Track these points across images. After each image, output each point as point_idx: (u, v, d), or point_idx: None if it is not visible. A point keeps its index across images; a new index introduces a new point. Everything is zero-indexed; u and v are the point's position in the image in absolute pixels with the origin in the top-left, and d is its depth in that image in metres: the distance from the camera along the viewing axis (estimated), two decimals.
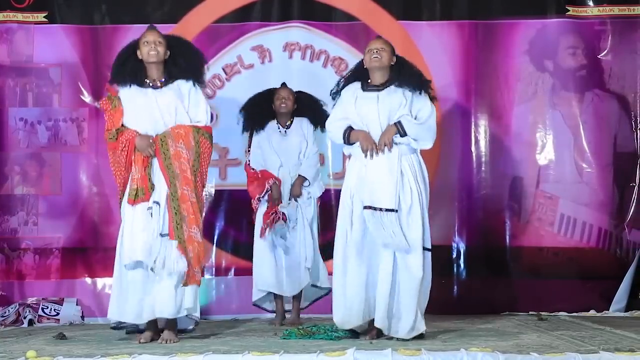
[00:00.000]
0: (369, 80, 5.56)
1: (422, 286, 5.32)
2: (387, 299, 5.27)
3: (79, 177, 7.42)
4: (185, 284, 5.33)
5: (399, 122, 5.39)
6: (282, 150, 6.64)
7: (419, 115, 5.45)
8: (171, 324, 5.43)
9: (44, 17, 7.47)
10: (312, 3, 7.52)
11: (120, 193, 5.49)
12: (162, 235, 5.32)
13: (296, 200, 6.61)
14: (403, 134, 5.38)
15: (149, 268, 5.31)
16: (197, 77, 5.60)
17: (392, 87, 5.49)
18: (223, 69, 7.52)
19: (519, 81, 7.50)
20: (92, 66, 7.44)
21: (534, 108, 7.50)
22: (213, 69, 7.44)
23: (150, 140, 5.39)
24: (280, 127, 6.70)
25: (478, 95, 7.49)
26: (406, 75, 5.51)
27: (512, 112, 7.50)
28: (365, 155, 5.40)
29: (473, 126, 7.48)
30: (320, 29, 7.52)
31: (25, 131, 7.42)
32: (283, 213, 6.51)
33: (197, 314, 5.49)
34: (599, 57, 7.50)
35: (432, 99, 5.57)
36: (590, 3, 7.53)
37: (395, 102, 5.44)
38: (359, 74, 5.63)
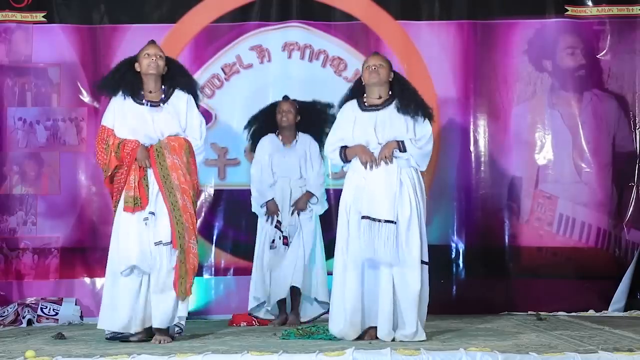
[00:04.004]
0: (365, 97, 5.49)
1: (420, 298, 5.31)
2: (390, 314, 5.25)
3: (77, 176, 7.41)
4: (183, 298, 5.33)
5: (402, 142, 5.35)
6: (282, 167, 6.62)
7: (420, 141, 5.40)
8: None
9: (42, 16, 7.46)
10: (311, 3, 7.51)
11: (115, 202, 5.46)
12: (156, 244, 5.31)
13: (298, 215, 6.60)
14: (403, 150, 5.36)
15: (144, 274, 5.31)
16: (194, 94, 5.59)
17: (392, 107, 5.44)
18: (222, 69, 7.51)
19: (518, 81, 7.50)
20: (91, 66, 7.43)
21: (532, 108, 7.50)
22: (212, 68, 7.44)
23: (147, 152, 5.40)
24: (283, 143, 6.67)
25: (477, 95, 7.48)
26: (406, 99, 5.43)
27: (511, 112, 7.50)
28: (365, 167, 5.38)
29: (472, 126, 7.47)
30: (319, 29, 7.51)
31: (24, 131, 7.41)
32: (285, 237, 6.53)
33: (184, 322, 5.44)
34: (597, 57, 7.50)
35: (432, 117, 5.51)
36: (589, 3, 7.53)
37: (396, 128, 5.38)
38: (356, 92, 5.57)
